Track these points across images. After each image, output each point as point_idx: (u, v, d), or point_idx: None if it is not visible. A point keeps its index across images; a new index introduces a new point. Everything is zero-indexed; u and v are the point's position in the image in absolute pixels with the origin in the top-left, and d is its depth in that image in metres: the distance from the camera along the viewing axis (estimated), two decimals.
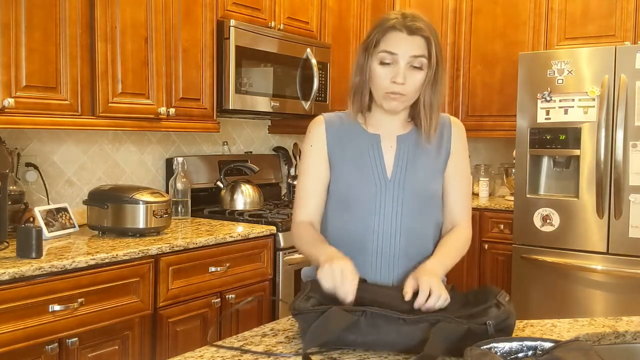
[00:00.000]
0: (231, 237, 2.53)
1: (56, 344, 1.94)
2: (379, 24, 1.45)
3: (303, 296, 1.26)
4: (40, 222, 2.26)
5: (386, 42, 1.42)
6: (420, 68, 1.42)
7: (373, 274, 1.47)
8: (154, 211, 2.41)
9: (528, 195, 3.43)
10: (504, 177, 4.16)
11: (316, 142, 1.53)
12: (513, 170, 3.68)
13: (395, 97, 1.43)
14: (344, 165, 1.50)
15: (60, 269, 1.94)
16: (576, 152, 3.27)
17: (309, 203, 1.53)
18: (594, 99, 3.20)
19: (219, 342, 1.23)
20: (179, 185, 2.94)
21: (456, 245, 1.51)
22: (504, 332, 1.16)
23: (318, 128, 1.54)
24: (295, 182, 3.63)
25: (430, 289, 1.24)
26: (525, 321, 1.40)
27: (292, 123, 3.62)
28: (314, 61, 3.24)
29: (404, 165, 1.48)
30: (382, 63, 1.43)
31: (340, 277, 1.25)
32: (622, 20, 3.49)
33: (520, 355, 1.05)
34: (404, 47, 1.41)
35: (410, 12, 1.45)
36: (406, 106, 1.48)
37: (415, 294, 1.26)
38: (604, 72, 3.17)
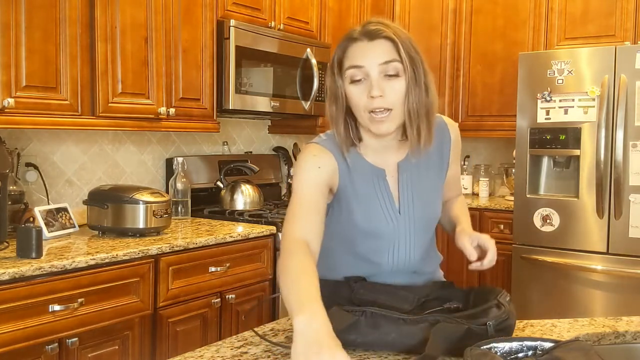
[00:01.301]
0: (231, 237, 2.53)
1: (56, 344, 1.94)
2: (341, 39, 1.32)
3: None
4: (40, 222, 2.25)
5: (349, 57, 1.28)
6: (396, 75, 1.27)
7: (382, 280, 1.43)
8: (154, 211, 2.41)
9: (528, 195, 3.43)
10: (504, 177, 4.16)
11: (325, 171, 1.33)
12: (513, 170, 3.68)
13: (382, 118, 1.27)
14: (357, 205, 1.38)
15: (60, 269, 1.94)
16: (576, 152, 3.27)
17: (310, 219, 1.26)
18: (594, 99, 3.20)
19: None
20: (179, 185, 2.94)
21: (467, 210, 1.60)
22: (504, 332, 1.16)
23: (329, 161, 1.35)
24: None
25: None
26: (525, 321, 1.40)
27: (292, 123, 3.62)
28: (314, 61, 3.24)
29: (409, 195, 1.41)
30: (353, 81, 1.28)
31: None
32: (622, 20, 3.49)
33: (520, 355, 1.05)
34: (368, 56, 1.26)
35: (375, 19, 1.31)
36: (398, 124, 1.31)
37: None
38: (604, 72, 3.17)
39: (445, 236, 2.75)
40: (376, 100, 1.26)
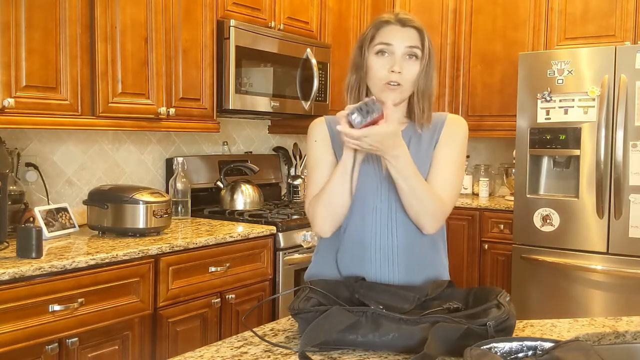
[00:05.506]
0: (231, 237, 2.53)
1: (56, 344, 1.94)
2: (374, 21, 1.54)
3: (303, 297, 1.26)
4: (40, 222, 2.25)
5: (381, 35, 1.49)
6: (415, 58, 1.48)
7: (374, 270, 1.47)
8: (154, 211, 2.41)
9: (528, 195, 3.43)
10: (504, 177, 4.16)
11: (320, 137, 1.56)
12: (513, 170, 3.68)
13: (394, 87, 1.46)
14: None
15: (60, 269, 1.94)
16: (576, 152, 3.27)
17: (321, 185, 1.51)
18: (594, 99, 3.20)
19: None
20: (179, 185, 2.94)
21: (428, 188, 1.44)
22: (504, 332, 1.16)
23: (320, 125, 1.58)
24: (295, 182, 3.63)
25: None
26: (525, 321, 1.40)
27: (292, 123, 3.62)
28: (314, 61, 3.24)
29: None
30: (378, 55, 1.48)
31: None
32: (622, 20, 3.49)
33: (520, 355, 1.05)
34: (398, 37, 1.47)
35: (402, 11, 1.56)
36: (403, 98, 1.50)
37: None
38: (604, 72, 3.17)
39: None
40: (395, 74, 1.46)
